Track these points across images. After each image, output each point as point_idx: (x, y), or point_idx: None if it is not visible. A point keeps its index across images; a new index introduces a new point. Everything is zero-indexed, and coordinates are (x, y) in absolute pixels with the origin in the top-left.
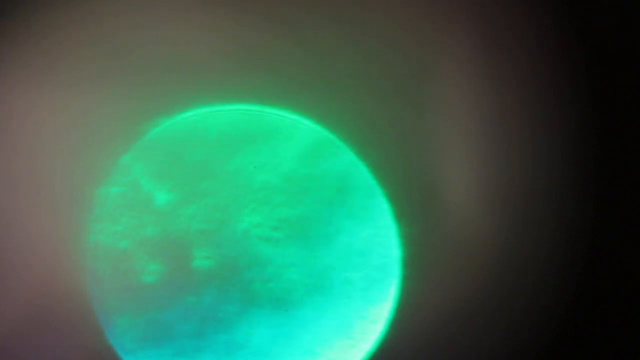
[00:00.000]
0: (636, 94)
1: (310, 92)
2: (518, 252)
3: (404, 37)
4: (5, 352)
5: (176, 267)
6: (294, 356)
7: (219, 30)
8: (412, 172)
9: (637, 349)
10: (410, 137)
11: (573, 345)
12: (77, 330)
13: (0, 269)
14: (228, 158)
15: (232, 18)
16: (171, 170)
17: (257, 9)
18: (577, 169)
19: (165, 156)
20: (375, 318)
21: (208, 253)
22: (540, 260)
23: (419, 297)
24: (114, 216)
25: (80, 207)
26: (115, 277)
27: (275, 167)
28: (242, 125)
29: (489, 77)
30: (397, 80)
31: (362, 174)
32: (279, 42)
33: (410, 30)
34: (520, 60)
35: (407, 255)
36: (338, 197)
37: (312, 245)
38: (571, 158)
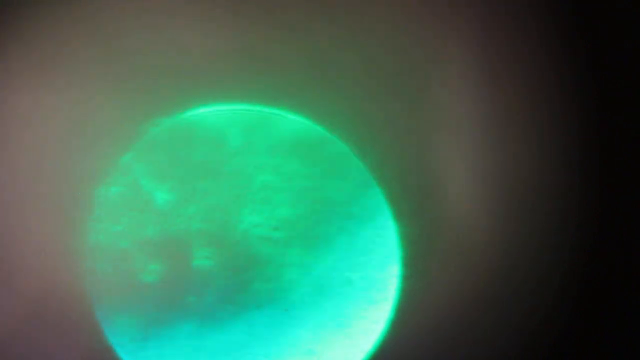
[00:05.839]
0: (638, 93)
1: (310, 92)
2: (518, 251)
3: (403, 37)
4: (5, 351)
5: (176, 267)
6: (294, 356)
7: (218, 31)
8: (412, 172)
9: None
10: (410, 137)
11: (575, 346)
12: (77, 330)
13: (1, 269)
14: (228, 158)
15: (232, 18)
16: (171, 170)
17: (257, 9)
18: (579, 167)
19: (165, 156)
20: (375, 318)
21: (208, 253)
22: (541, 259)
23: (419, 297)
24: (114, 216)
25: (80, 207)
26: (115, 277)
27: (275, 167)
28: (242, 125)
29: (488, 76)
30: (398, 80)
31: (362, 174)
32: (279, 42)
33: (409, 29)
34: (520, 59)
35: (407, 255)
36: (338, 197)
37: (312, 245)
38: (572, 156)
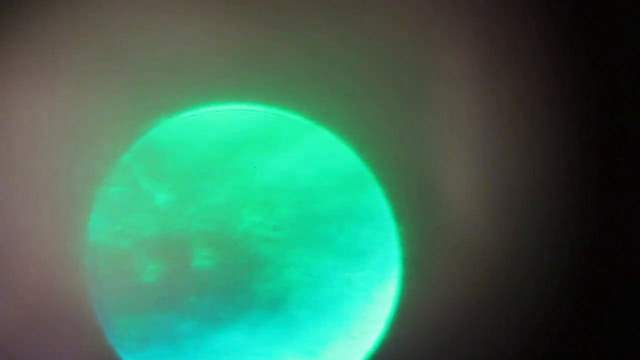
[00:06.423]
0: (638, 93)
1: (310, 92)
2: (519, 251)
3: (404, 37)
4: (4, 352)
5: (176, 267)
6: (294, 356)
7: (219, 30)
8: (412, 172)
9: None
10: (410, 137)
11: (575, 346)
12: (76, 330)
13: (0, 269)
14: (228, 158)
15: (232, 18)
16: (171, 170)
17: (257, 8)
18: (579, 167)
19: (165, 156)
20: (375, 318)
21: (208, 253)
22: (541, 259)
23: (419, 297)
24: (114, 216)
25: (80, 207)
26: (115, 277)
27: (275, 167)
28: (242, 125)
29: (489, 77)
30: (398, 80)
31: (362, 174)
32: (279, 42)
33: (410, 30)
34: (521, 59)
35: (407, 255)
36: (338, 197)
37: (312, 245)
38: (572, 157)
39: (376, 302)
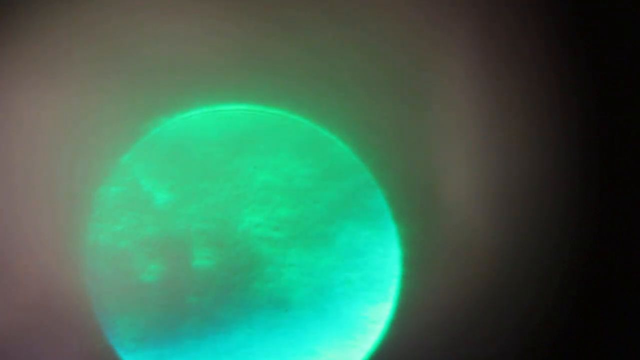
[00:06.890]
0: (638, 93)
1: (310, 92)
2: (518, 251)
3: (404, 37)
4: (4, 352)
5: (176, 267)
6: (294, 356)
7: (219, 30)
8: (412, 172)
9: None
10: (410, 137)
11: (575, 346)
12: (77, 331)
13: (0, 269)
14: (228, 158)
15: (233, 18)
16: (171, 170)
17: (257, 9)
18: (579, 168)
19: (165, 156)
20: (375, 318)
21: (208, 253)
22: (541, 259)
23: (419, 297)
24: (114, 216)
25: (80, 207)
26: (115, 277)
27: (275, 167)
28: (242, 125)
29: (490, 77)
30: (397, 81)
31: (362, 174)
32: (279, 42)
33: (411, 29)
34: (522, 60)
35: (407, 255)
36: (338, 197)
37: (312, 245)
38: (573, 157)
39: (376, 302)
